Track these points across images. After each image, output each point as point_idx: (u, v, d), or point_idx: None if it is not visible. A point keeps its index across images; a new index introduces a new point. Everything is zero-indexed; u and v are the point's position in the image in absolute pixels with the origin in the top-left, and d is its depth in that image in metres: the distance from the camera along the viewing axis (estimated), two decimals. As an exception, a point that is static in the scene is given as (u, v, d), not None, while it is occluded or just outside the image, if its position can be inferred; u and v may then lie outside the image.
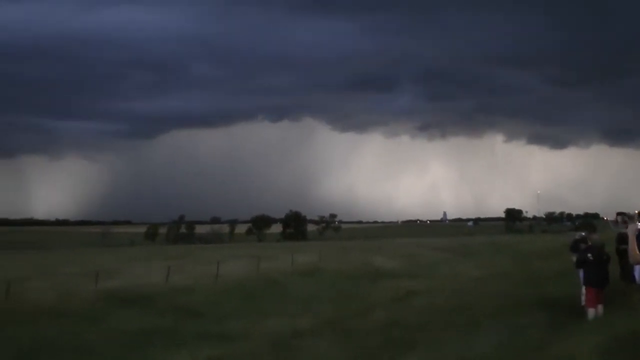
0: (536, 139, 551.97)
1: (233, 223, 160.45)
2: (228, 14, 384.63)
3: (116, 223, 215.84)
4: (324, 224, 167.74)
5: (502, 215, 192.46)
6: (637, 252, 8.75)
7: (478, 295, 24.10)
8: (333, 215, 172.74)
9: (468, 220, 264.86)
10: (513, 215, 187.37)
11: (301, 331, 17.45)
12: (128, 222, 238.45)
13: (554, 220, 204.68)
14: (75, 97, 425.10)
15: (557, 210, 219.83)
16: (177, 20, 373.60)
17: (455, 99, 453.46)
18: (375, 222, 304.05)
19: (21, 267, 39.17)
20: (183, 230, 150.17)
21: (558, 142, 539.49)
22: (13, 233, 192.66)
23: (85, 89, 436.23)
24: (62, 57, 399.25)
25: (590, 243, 15.06)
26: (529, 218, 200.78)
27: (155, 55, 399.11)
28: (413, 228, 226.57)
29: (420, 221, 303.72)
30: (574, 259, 15.93)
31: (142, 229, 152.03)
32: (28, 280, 26.64)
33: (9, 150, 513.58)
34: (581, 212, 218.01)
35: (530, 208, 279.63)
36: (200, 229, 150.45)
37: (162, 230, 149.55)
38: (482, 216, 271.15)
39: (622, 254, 13.58)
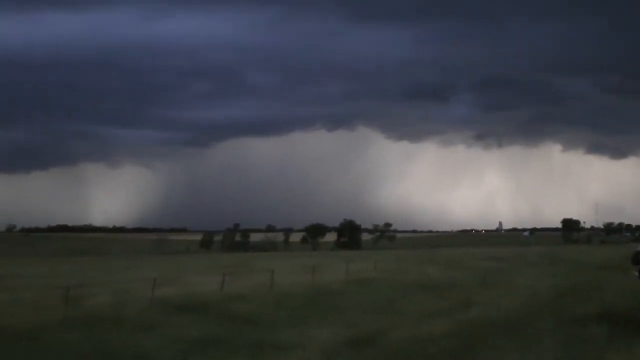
0: (595, 149, 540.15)
1: (288, 232, 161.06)
2: (285, 23, 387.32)
3: (173, 231, 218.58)
4: (378, 234, 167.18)
5: (559, 225, 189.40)
6: None
7: (535, 307, 23.66)
8: (388, 225, 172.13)
9: (524, 230, 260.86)
10: (570, 225, 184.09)
11: (356, 341, 17.31)
12: (184, 230, 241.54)
13: (613, 232, 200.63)
14: (134, 106, 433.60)
15: (616, 221, 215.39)
16: (234, 30, 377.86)
17: (512, 108, 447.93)
18: (430, 231, 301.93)
19: (79, 273, 39.92)
20: (238, 238, 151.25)
21: (618, 152, 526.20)
22: (72, 239, 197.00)
23: (143, 98, 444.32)
24: (122, 67, 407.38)
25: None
26: (587, 229, 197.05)
27: (212, 64, 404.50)
28: (468, 238, 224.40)
29: (476, 231, 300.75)
30: (637, 272, 15.50)
31: (198, 237, 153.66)
32: (86, 287, 27.09)
33: (70, 158, 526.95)
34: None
35: (588, 219, 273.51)
36: (255, 237, 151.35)
37: (218, 239, 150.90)
38: (538, 226, 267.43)
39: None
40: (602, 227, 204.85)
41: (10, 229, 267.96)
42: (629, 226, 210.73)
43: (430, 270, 42.39)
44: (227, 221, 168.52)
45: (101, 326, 18.46)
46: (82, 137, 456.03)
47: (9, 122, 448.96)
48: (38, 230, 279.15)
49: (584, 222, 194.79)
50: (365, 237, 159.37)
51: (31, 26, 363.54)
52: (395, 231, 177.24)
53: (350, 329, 19.10)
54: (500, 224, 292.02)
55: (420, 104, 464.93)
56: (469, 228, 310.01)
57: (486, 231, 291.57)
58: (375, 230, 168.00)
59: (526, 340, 17.02)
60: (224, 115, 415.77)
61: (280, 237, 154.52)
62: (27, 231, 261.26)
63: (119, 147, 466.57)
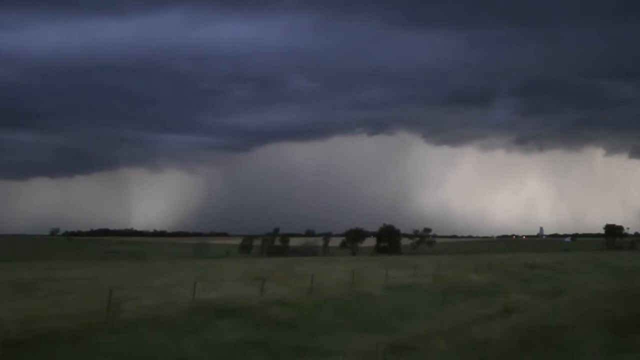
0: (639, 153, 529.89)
1: (327, 236, 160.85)
2: (326, 27, 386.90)
3: (213, 235, 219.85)
4: (417, 238, 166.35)
5: (602, 231, 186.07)
6: None
7: (577, 313, 23.37)
8: (427, 230, 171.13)
9: (565, 236, 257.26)
10: (613, 231, 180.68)
11: (395, 347, 17.25)
12: (224, 234, 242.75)
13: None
14: (177, 111, 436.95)
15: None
16: (276, 35, 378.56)
17: (554, 112, 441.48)
18: (470, 236, 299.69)
19: (121, 276, 40.34)
20: (277, 242, 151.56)
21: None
22: (113, 243, 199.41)
23: (185, 102, 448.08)
24: (165, 72, 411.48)
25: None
26: (631, 235, 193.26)
27: (253, 69, 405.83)
28: (508, 243, 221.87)
29: (516, 236, 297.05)
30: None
31: (238, 241, 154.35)
32: (127, 290, 27.37)
33: (112, 163, 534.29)
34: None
35: (632, 224, 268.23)
36: (294, 242, 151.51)
37: (257, 243, 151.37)
38: (580, 232, 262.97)
39: None
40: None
41: (54, 233, 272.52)
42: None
43: (471, 275, 42.05)
44: (267, 225, 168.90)
45: (142, 329, 18.65)
46: (125, 141, 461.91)
47: (54, 127, 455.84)
48: (80, 233, 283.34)
49: (628, 228, 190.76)
50: (405, 241, 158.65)
51: (76, 32, 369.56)
52: (435, 236, 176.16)
53: (390, 335, 19.04)
54: (541, 229, 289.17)
55: (461, 108, 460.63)
56: (509, 233, 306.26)
57: (527, 236, 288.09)
58: (414, 235, 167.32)
59: (567, 348, 16.81)
60: (265, 120, 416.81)
61: (319, 241, 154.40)
62: (70, 235, 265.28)
63: (161, 151, 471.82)
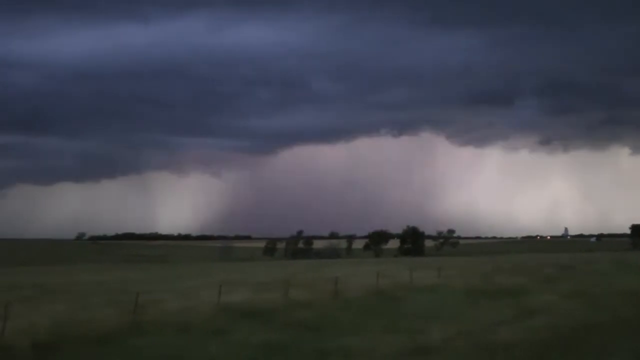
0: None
1: (351, 238, 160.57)
2: (349, 29, 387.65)
3: (237, 238, 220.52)
4: (441, 240, 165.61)
5: (627, 231, 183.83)
6: None
7: (603, 314, 23.16)
8: (451, 231, 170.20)
9: (591, 236, 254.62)
10: (639, 231, 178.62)
11: (421, 348, 17.20)
12: (248, 237, 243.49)
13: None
14: (201, 114, 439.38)
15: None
16: (299, 37, 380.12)
17: (578, 112, 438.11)
18: (494, 237, 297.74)
19: (147, 280, 40.65)
20: (301, 245, 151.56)
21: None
22: (138, 247, 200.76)
23: (210, 106, 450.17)
24: (189, 76, 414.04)
25: None
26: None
27: (276, 72, 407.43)
28: (533, 244, 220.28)
29: (541, 237, 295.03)
30: None
31: (262, 244, 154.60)
32: (154, 293, 27.59)
33: (137, 167, 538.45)
34: None
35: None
36: (317, 244, 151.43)
37: (281, 245, 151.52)
38: (605, 232, 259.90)
39: None
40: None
41: (80, 237, 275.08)
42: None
43: (495, 276, 41.79)
44: (291, 228, 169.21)
45: (169, 331, 18.78)
46: (150, 145, 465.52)
47: (80, 132, 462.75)
48: (105, 237, 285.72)
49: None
50: (428, 243, 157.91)
51: (102, 38, 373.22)
52: (459, 237, 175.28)
53: (416, 336, 18.98)
54: (566, 229, 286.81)
55: (485, 108, 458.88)
56: (533, 234, 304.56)
57: (551, 237, 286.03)
58: (438, 236, 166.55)
59: (594, 349, 16.68)
60: (289, 122, 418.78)
61: (342, 243, 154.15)
62: (95, 239, 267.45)
63: (185, 155, 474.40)
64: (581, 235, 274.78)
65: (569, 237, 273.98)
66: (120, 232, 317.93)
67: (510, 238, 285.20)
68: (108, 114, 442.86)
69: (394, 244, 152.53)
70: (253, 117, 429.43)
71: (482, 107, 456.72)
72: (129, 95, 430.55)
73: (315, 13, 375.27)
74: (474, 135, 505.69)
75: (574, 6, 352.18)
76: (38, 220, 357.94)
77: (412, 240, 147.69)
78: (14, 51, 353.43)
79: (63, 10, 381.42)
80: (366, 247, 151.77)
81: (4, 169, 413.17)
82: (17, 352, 15.53)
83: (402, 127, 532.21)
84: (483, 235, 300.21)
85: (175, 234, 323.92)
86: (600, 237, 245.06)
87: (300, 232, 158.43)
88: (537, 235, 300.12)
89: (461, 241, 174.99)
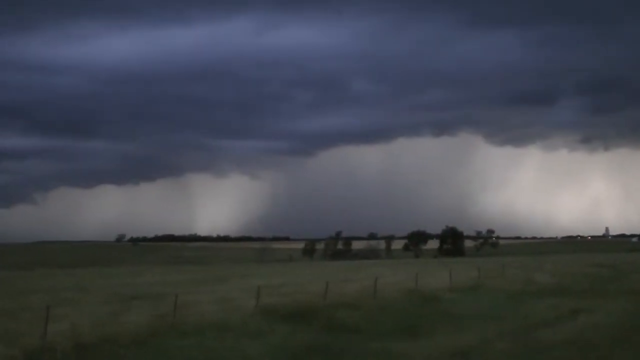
0: None
1: (390, 239, 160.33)
2: (388, 30, 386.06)
3: (276, 239, 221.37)
4: (481, 240, 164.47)
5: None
6: None
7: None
8: (491, 231, 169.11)
9: (632, 236, 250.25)
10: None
11: (462, 350, 16.99)
12: (287, 239, 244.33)
13: None
14: (241, 116, 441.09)
15: None
16: (339, 39, 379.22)
17: (620, 110, 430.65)
18: (534, 237, 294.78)
19: (186, 281, 40.86)
20: (340, 246, 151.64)
21: None
22: (178, 248, 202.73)
23: (249, 108, 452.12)
24: (229, 79, 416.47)
25: None
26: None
27: (316, 73, 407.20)
28: (573, 244, 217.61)
29: (581, 237, 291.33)
30: None
31: (301, 245, 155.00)
32: (193, 294, 27.65)
33: (177, 169, 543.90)
34: None
35: None
36: (356, 245, 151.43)
37: (320, 246, 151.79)
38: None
39: None
40: None
41: (120, 239, 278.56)
42: None
43: (536, 277, 41.28)
44: (330, 229, 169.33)
45: (208, 333, 18.73)
46: (189, 147, 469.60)
47: (120, 135, 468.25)
48: (145, 239, 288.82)
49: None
50: (468, 243, 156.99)
51: (144, 41, 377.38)
52: (498, 237, 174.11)
53: (457, 338, 18.76)
54: (607, 229, 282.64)
55: (525, 108, 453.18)
56: (574, 234, 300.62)
57: (592, 237, 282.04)
58: (477, 237, 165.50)
59: (637, 350, 16.40)
60: (328, 124, 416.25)
61: (381, 244, 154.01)
62: (135, 240, 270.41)
63: (225, 157, 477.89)
64: (622, 235, 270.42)
65: (610, 237, 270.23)
66: (159, 233, 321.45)
67: (550, 238, 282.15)
68: (147, 117, 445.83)
69: (433, 244, 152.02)
70: (293, 119, 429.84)
71: (523, 106, 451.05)
72: (170, 97, 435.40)
73: (356, 14, 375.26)
74: (514, 134, 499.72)
75: (617, 3, 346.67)
76: (80, 222, 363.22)
77: (452, 241, 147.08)
78: (60, 55, 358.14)
79: (106, 15, 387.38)
80: (405, 247, 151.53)
81: (47, 172, 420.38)
82: (60, 354, 15.60)
83: (441, 128, 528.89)
84: (523, 236, 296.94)
85: (214, 235, 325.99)
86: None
87: (339, 233, 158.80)
88: (578, 236, 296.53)
89: (501, 241, 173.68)
